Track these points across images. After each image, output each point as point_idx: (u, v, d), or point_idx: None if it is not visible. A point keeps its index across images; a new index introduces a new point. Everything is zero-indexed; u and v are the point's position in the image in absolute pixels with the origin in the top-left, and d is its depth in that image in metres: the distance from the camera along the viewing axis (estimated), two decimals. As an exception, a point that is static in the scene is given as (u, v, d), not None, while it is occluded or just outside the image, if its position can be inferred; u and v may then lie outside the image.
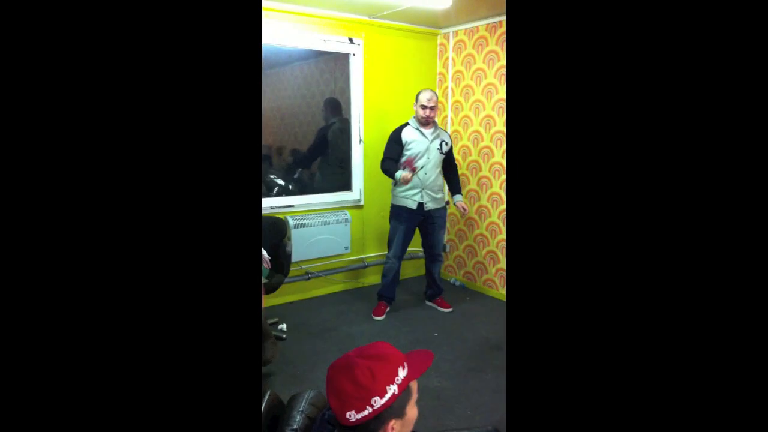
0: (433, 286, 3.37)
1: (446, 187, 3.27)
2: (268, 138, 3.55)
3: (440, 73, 3.87)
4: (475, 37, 3.53)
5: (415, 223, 3.16)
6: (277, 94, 3.55)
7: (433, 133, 3.03)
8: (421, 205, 3.07)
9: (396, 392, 0.90)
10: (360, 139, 3.58)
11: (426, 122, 2.99)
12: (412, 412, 0.96)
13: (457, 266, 3.97)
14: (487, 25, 3.42)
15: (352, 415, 0.88)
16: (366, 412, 0.88)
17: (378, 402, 0.88)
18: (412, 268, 4.03)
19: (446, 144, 3.07)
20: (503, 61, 3.35)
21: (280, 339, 2.80)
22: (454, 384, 2.40)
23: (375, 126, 3.60)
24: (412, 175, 2.93)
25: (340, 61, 3.51)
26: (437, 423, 2.08)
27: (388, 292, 3.25)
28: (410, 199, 3.07)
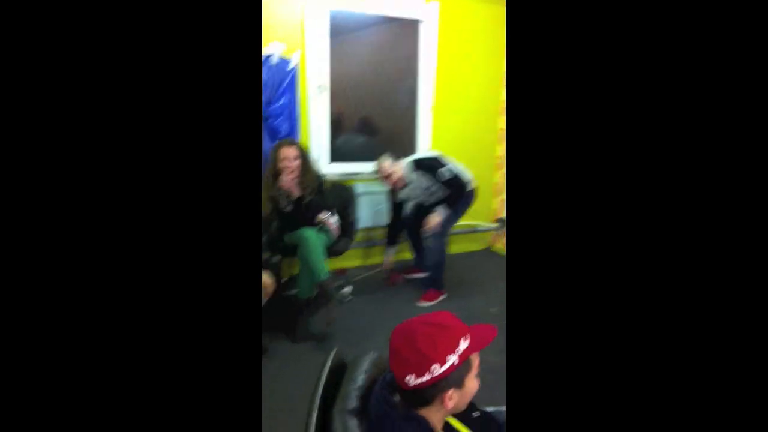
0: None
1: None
2: (337, 106, 3.57)
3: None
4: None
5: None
6: (346, 61, 3.54)
7: (412, 190, 2.96)
8: None
9: (456, 362, 0.91)
10: (428, 109, 3.53)
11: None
12: (471, 383, 0.97)
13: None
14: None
15: (411, 380, 0.91)
16: (425, 378, 0.90)
17: (437, 370, 0.89)
18: (468, 243, 4.00)
19: (428, 189, 2.93)
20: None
21: (342, 302, 2.90)
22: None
23: (446, 94, 3.53)
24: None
25: (409, 27, 3.44)
26: (492, 396, 2.08)
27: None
28: None
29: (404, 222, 3.19)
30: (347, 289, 3.03)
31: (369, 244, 3.54)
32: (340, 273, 3.38)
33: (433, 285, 3.03)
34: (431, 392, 0.92)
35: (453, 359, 0.91)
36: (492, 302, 3.04)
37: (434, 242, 2.93)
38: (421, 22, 3.38)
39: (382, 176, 2.89)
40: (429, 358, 0.90)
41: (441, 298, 3.01)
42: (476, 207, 3.60)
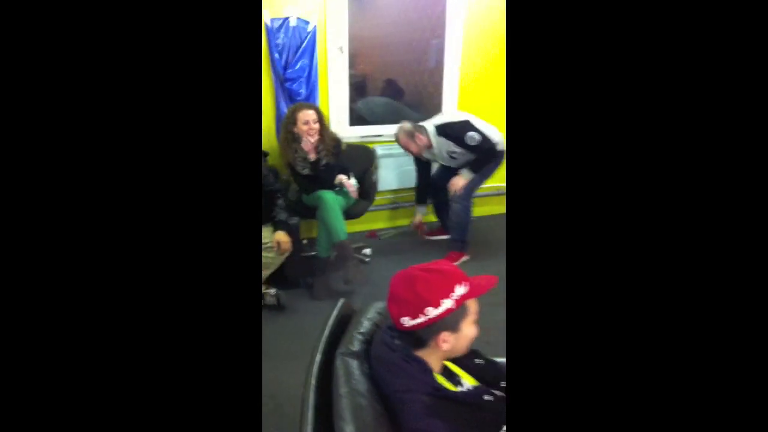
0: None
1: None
2: (360, 67, 3.53)
3: None
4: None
5: None
6: (369, 21, 3.47)
7: (429, 153, 2.90)
8: None
9: (451, 306, 0.93)
10: (456, 68, 3.44)
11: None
12: (468, 329, 0.98)
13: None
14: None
15: (407, 321, 0.94)
16: (419, 320, 0.93)
17: (431, 312, 0.92)
18: (494, 205, 3.95)
19: (453, 157, 2.85)
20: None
21: (363, 262, 2.94)
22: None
23: (474, 56, 3.44)
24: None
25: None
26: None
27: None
28: None
29: (431, 181, 3.16)
30: (367, 251, 3.06)
31: (394, 206, 3.54)
32: (371, 236, 3.41)
33: (456, 247, 2.99)
34: (426, 334, 0.95)
35: (448, 303, 0.93)
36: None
37: (459, 204, 2.87)
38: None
39: (401, 147, 2.86)
40: (424, 300, 0.92)
41: (463, 259, 3.00)
42: (504, 169, 3.54)
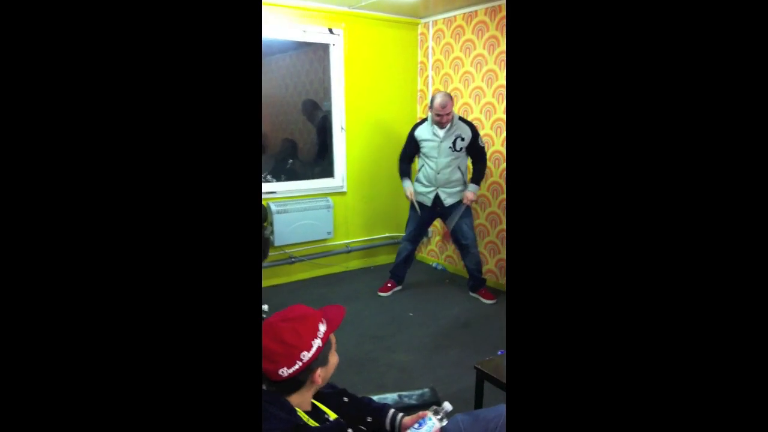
0: (471, 278, 3.34)
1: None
2: (264, 127, 3.66)
3: (421, 62, 3.96)
4: (453, 26, 3.62)
5: (432, 214, 3.29)
6: (268, 84, 3.66)
7: (447, 131, 3.01)
8: (437, 200, 3.16)
9: (320, 345, 1.03)
10: (342, 127, 3.69)
11: (439, 125, 3.01)
12: (333, 358, 1.10)
13: (439, 251, 4.08)
14: (464, 14, 3.50)
15: (284, 371, 1.00)
16: (296, 367, 1.00)
17: (306, 356, 1.01)
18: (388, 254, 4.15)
19: (462, 140, 3.02)
20: (479, 50, 3.43)
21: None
22: (420, 358, 2.54)
23: (356, 114, 3.71)
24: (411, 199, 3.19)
25: (321, 51, 3.61)
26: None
27: (396, 270, 3.46)
28: (426, 196, 3.19)
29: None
30: (265, 306, 3.08)
31: (291, 260, 3.60)
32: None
33: (483, 285, 3.34)
34: (303, 377, 1.04)
35: (317, 343, 1.03)
36: (410, 307, 3.20)
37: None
38: (332, 45, 3.55)
39: (439, 113, 2.94)
40: (297, 348, 1.01)
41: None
42: (398, 220, 3.79)
